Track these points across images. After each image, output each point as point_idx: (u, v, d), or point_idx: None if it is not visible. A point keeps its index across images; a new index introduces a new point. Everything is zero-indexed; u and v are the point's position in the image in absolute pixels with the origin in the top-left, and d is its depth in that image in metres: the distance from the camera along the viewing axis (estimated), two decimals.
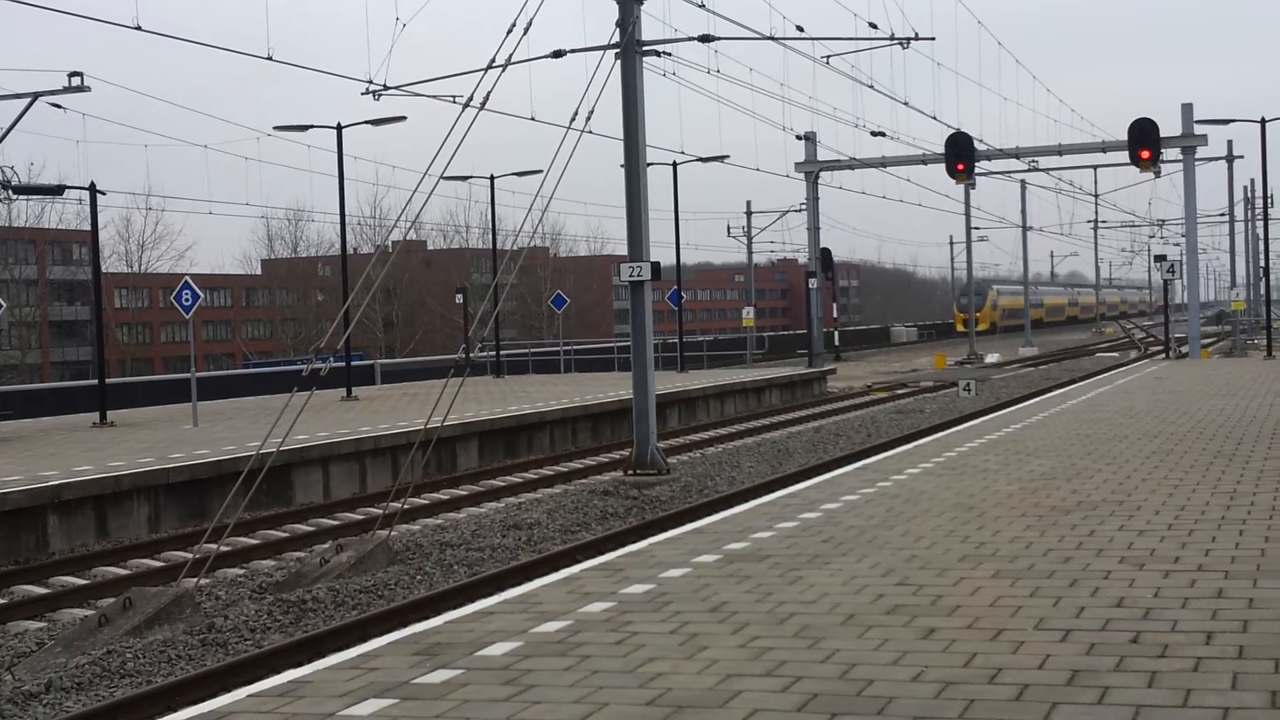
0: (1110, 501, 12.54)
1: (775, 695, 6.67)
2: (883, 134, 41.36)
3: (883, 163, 47.72)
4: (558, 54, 22.80)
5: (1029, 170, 51.10)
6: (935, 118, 40.67)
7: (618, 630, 8.20)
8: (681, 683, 6.97)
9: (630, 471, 21.91)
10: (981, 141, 42.31)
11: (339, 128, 32.72)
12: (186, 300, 25.22)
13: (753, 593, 9.12)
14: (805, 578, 9.54)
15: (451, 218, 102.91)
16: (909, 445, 19.16)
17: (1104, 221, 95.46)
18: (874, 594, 8.91)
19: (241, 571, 15.91)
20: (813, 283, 50.62)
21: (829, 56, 30.16)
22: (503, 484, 22.84)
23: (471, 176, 43.24)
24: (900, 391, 44.43)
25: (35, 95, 35.85)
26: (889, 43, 27.01)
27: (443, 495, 21.58)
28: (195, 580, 13.37)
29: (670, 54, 23.22)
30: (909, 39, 26.74)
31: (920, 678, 6.88)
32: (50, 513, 17.29)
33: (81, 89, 35.27)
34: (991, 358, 63.49)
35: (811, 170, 50.40)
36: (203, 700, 7.72)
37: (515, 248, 35.99)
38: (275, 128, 35.48)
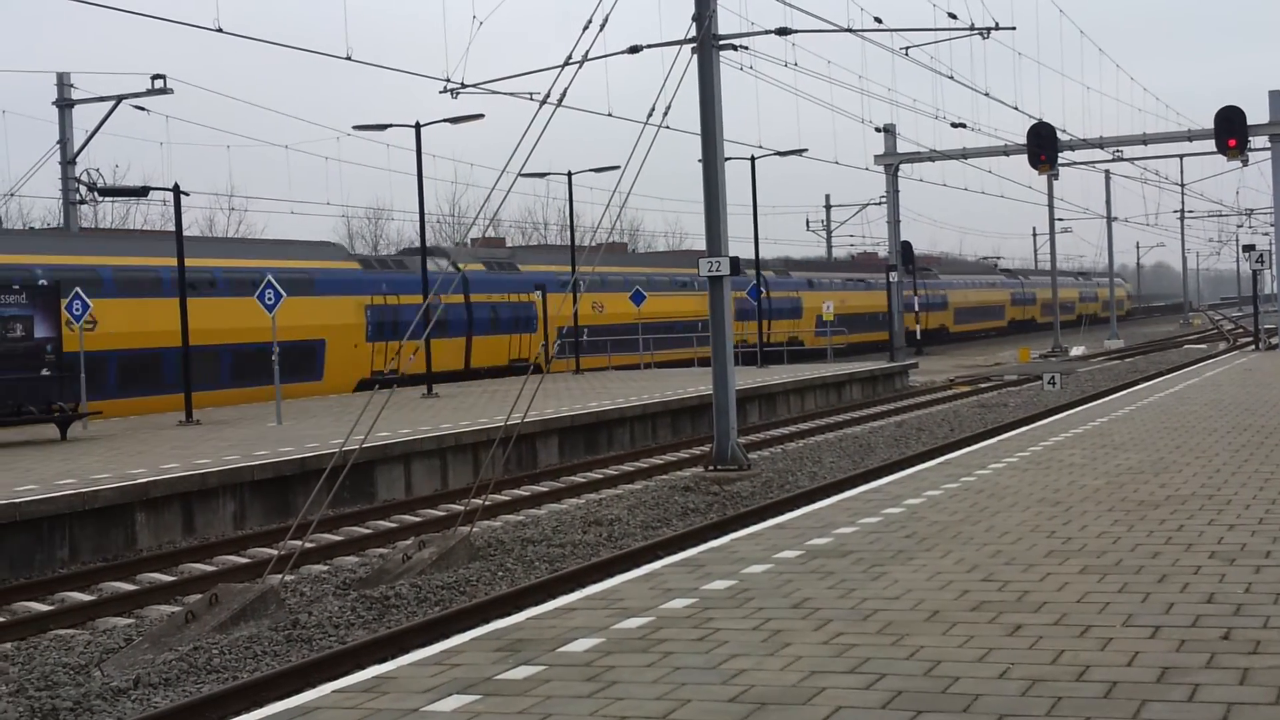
0: (1199, 496, 12.33)
1: (859, 692, 6.61)
2: (963, 125, 41.09)
3: (963, 154, 47.30)
4: (634, 50, 22.79)
5: (1113, 160, 50.45)
6: (1017, 108, 40.17)
7: (700, 627, 8.17)
8: (764, 679, 6.93)
9: (711, 467, 21.87)
10: (1064, 132, 41.86)
11: (417, 126, 32.90)
12: (269, 299, 25.46)
13: (836, 589, 9.05)
14: (889, 573, 9.46)
15: (530, 214, 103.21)
16: (993, 440, 18.97)
17: (1190, 211, 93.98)
18: (959, 590, 8.81)
19: (325, 568, 16.04)
20: (893, 276, 50.29)
21: (908, 48, 29.96)
22: (583, 480, 22.87)
23: (549, 173, 43.33)
24: (983, 386, 44.02)
25: (119, 98, 36.50)
26: (969, 33, 26.79)
27: (524, 492, 21.65)
28: (280, 577, 13.48)
29: (747, 48, 23.20)
30: (989, 29, 26.50)
31: (1006, 675, 6.80)
32: (138, 510, 17.53)
33: (164, 91, 35.87)
34: (1077, 350, 62.79)
35: (891, 163, 50.07)
36: (288, 696, 7.78)
37: (594, 243, 35.98)
38: (355, 127, 35.81)
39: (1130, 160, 51.81)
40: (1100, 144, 45.67)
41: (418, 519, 19.39)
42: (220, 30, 21.85)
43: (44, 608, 14.45)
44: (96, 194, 37.48)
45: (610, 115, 28.38)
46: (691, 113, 22.15)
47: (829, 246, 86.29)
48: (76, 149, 37.39)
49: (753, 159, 43.85)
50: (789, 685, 6.80)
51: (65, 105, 37.29)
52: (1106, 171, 68.67)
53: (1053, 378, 37.97)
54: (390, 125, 34.55)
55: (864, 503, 13.02)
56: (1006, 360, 58.86)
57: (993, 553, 10.03)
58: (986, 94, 36.89)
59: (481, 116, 33.39)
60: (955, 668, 6.97)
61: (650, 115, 18.48)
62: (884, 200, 52.42)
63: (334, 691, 7.25)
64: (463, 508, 16.93)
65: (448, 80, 24.79)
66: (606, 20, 18.37)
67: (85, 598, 14.93)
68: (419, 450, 22.08)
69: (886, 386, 42.70)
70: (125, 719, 9.96)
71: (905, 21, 50.13)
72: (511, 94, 25.40)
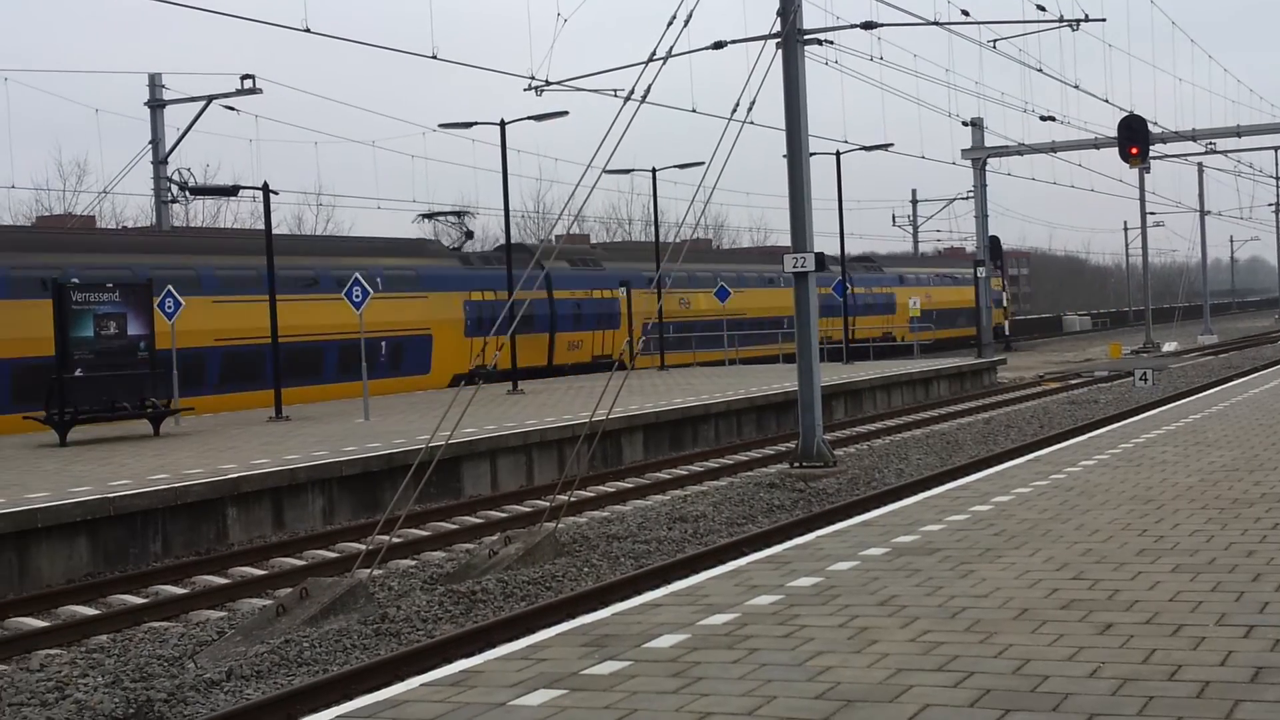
0: None
1: (947, 690, 6.56)
2: (1052, 118, 40.59)
3: (1052, 148, 46.79)
4: (718, 45, 22.77)
5: (1206, 153, 49.73)
6: (1107, 100, 39.56)
7: (785, 623, 8.15)
8: (851, 676, 6.90)
9: (796, 464, 21.80)
10: (1156, 124, 41.24)
11: (502, 124, 33.07)
12: (357, 297, 25.69)
13: (922, 586, 8.99)
14: (976, 571, 9.38)
15: (614, 211, 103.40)
16: (1083, 437, 18.74)
17: None
18: (1048, 588, 8.72)
19: (413, 563, 16.18)
20: (981, 271, 49.84)
21: (995, 40, 29.70)
22: (668, 477, 22.88)
23: (633, 170, 43.40)
24: (1073, 382, 43.52)
25: (210, 98, 37.02)
26: (1058, 25, 26.46)
27: (608, 488, 21.70)
28: (368, 571, 13.61)
29: (832, 42, 23.09)
30: (1079, 20, 26.15)
31: (1097, 674, 6.72)
32: (229, 505, 17.77)
33: (254, 91, 36.37)
34: (1169, 346, 61.88)
35: (978, 157, 49.61)
36: (378, 689, 7.85)
37: (678, 240, 35.95)
38: (440, 125, 36.11)
39: (1224, 153, 51.04)
40: (1193, 136, 44.97)
41: (504, 515, 19.50)
42: (308, 30, 22.13)
43: (139, 601, 14.70)
44: (188, 193, 38.06)
45: (694, 111, 28.41)
46: (776, 108, 22.10)
47: (915, 242, 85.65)
48: (168, 148, 37.97)
49: (838, 154, 43.64)
50: (875, 683, 6.76)
51: (157, 106, 37.89)
52: (1199, 164, 67.62)
53: (1144, 374, 37.45)
54: (475, 123, 34.78)
55: (951, 500, 12.92)
56: (1097, 356, 58.14)
57: (1083, 551, 9.91)
58: (1076, 86, 36.44)
59: (565, 114, 33.50)
60: (1045, 666, 6.90)
61: (734, 111, 18.46)
62: (971, 195, 51.93)
63: (422, 685, 7.31)
64: (548, 504, 17.00)
65: (532, 77, 24.90)
66: (690, 16, 18.37)
67: (179, 591, 15.16)
68: (505, 446, 22.20)
69: (974, 383, 42.33)
70: (218, 710, 10.10)
71: (993, 14, 49.64)
72: (595, 91, 25.48)
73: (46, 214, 64.06)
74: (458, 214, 42.93)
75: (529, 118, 33.49)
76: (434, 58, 24.54)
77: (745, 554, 12.11)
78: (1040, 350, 68.51)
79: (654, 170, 43.33)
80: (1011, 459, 17.47)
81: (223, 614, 13.94)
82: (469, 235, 42.76)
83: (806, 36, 21.89)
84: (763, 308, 51.68)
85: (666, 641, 7.86)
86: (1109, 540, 10.28)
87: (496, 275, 38.54)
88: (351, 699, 7.62)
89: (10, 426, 26.05)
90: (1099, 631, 7.55)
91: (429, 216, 42.67)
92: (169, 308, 26.77)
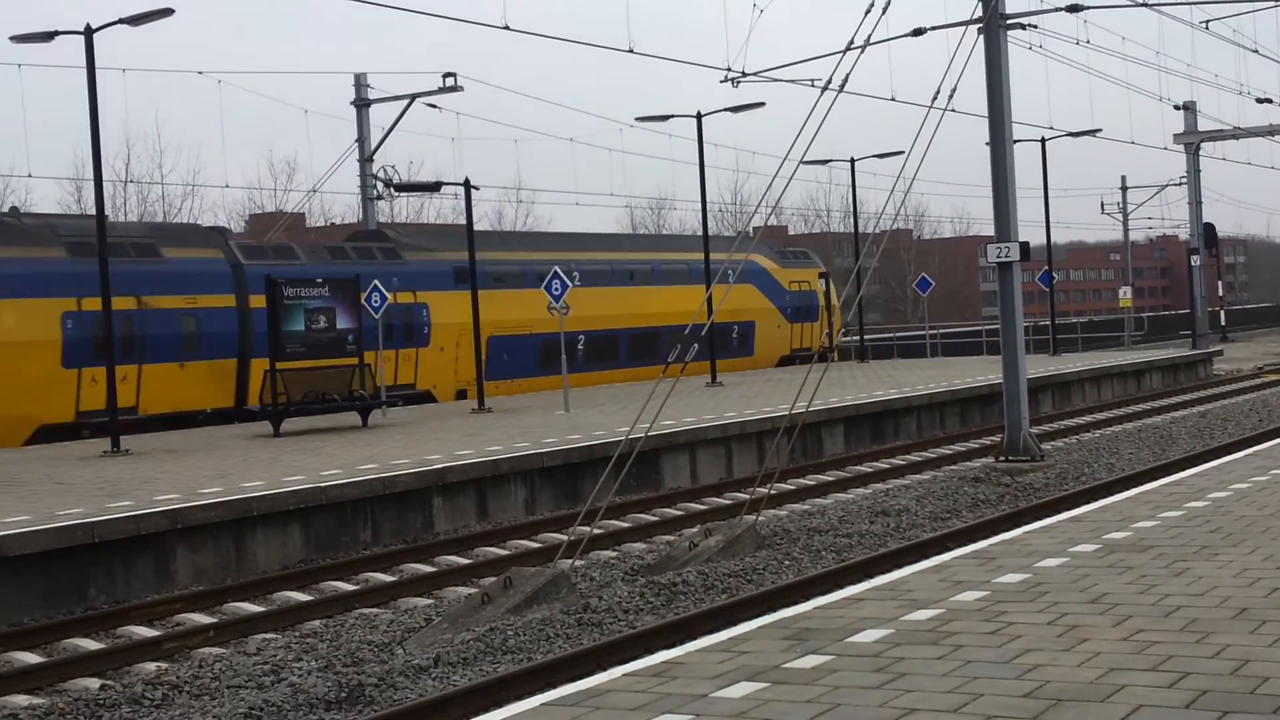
0: None
1: (1161, 691, 6.36)
2: (1269, 101, 39.12)
3: (1270, 131, 45.10)
4: (918, 32, 22.45)
5: None
6: None
7: (991, 620, 7.99)
8: (1060, 675, 6.73)
9: (1001, 458, 21.40)
10: None
11: (699, 116, 33.09)
12: (556, 289, 25.99)
13: (1135, 584, 8.73)
14: (1192, 569, 9.08)
15: (812, 202, 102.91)
16: None
17: None
18: (1268, 587, 8.40)
19: (613, 554, 16.30)
20: (1195, 260, 48.24)
21: (1208, 21, 28.72)
22: (869, 470, 22.66)
23: (831, 160, 43.07)
24: None
25: (413, 97, 37.75)
26: (1274, 4, 25.49)
27: (809, 481, 21.57)
28: (570, 561, 13.75)
29: (1036, 26, 22.53)
30: None
31: None
32: (435, 495, 18.13)
33: (455, 89, 36.97)
34: None
35: (1191, 141, 48.01)
36: (580, 678, 7.92)
37: (877, 230, 35.61)
38: (637, 119, 36.28)
39: None
40: None
41: (703, 507, 19.52)
42: (508, 28, 22.46)
43: (349, 587, 15.08)
44: (392, 189, 38.89)
45: (893, 100, 28.05)
46: (977, 94, 21.70)
47: (1125, 230, 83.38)
48: (373, 146, 38.88)
49: (1043, 140, 42.71)
50: (1086, 682, 6.58)
51: (362, 105, 38.79)
52: None
53: None
54: (672, 116, 34.87)
55: (1165, 496, 12.53)
56: None
57: None
58: None
59: (762, 104, 33.41)
60: (1265, 668, 6.65)
61: (935, 98, 18.17)
62: (1184, 181, 50.31)
63: (625, 675, 7.35)
64: (748, 496, 16.96)
65: (728, 69, 24.90)
66: (889, 3, 18.15)
67: (387, 578, 15.52)
68: (704, 439, 22.22)
69: (1189, 375, 41.09)
70: (426, 696, 10.31)
71: None
72: (792, 81, 25.34)
73: (259, 211, 66.36)
74: None
75: (725, 109, 33.46)
76: (630, 51, 24.71)
77: (949, 549, 11.92)
78: (1259, 341, 66.09)
79: (852, 160, 42.98)
80: (1229, 454, 16.89)
81: (429, 601, 14.22)
82: None
83: (1009, 21, 21.44)
84: None
85: (869, 636, 7.77)
86: None
87: None
88: (555, 687, 7.70)
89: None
90: None
91: None
92: (375, 302, 27.42)
